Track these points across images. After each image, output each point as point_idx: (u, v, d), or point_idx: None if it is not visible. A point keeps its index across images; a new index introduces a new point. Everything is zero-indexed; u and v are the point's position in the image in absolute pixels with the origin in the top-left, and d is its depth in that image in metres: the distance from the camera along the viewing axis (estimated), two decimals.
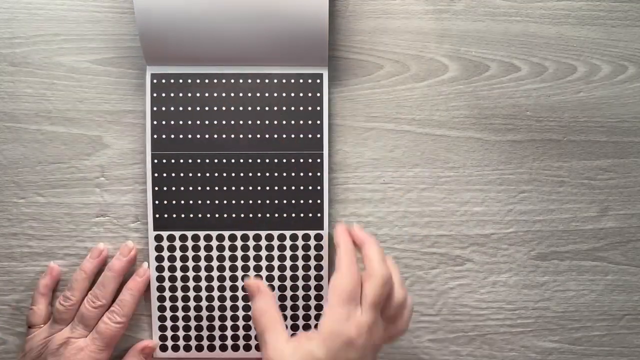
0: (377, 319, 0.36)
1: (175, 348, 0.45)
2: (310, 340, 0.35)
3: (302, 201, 0.44)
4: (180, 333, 0.44)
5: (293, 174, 0.44)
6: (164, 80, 0.43)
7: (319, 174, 0.44)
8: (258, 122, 0.44)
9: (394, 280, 0.38)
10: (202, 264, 0.44)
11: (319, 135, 0.44)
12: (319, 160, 0.44)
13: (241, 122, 0.43)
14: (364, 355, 0.35)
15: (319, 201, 0.44)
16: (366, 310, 0.35)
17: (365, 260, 0.38)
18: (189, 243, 0.44)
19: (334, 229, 0.40)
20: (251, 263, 0.44)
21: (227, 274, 0.44)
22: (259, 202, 0.44)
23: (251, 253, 0.44)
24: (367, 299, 0.36)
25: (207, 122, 0.43)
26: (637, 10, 0.46)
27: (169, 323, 0.44)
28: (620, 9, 0.46)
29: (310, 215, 0.44)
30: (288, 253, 0.44)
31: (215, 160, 0.43)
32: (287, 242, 0.44)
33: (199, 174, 0.44)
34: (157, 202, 0.43)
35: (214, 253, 0.44)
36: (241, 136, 0.44)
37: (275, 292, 0.44)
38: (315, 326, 0.44)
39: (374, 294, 0.36)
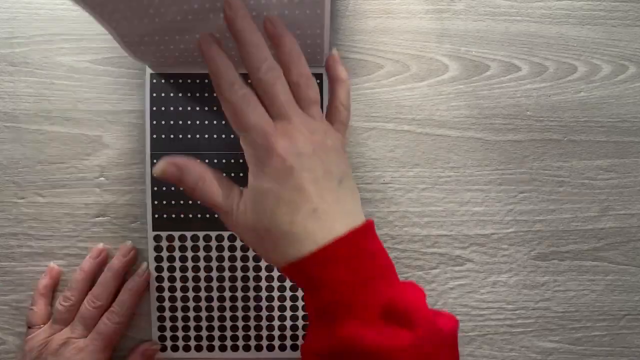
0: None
1: (175, 348, 0.44)
2: None
3: None
4: (180, 333, 0.44)
5: None
6: (163, 80, 0.43)
7: None
8: None
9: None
10: (202, 264, 0.44)
11: None
12: None
13: None
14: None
15: None
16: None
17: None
18: (188, 243, 0.44)
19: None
20: (250, 263, 0.44)
21: (227, 274, 0.44)
22: None
23: (250, 253, 0.44)
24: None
25: (206, 122, 0.43)
26: (637, 10, 0.46)
27: (168, 323, 0.44)
28: (620, 9, 0.45)
29: None
30: None
31: (215, 161, 0.43)
32: None
33: None
34: (156, 202, 0.43)
35: (213, 253, 0.44)
36: None
37: (274, 292, 0.44)
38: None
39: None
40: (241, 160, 0.43)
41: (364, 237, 0.32)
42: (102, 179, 0.45)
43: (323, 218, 0.31)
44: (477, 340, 0.46)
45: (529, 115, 0.46)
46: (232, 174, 0.43)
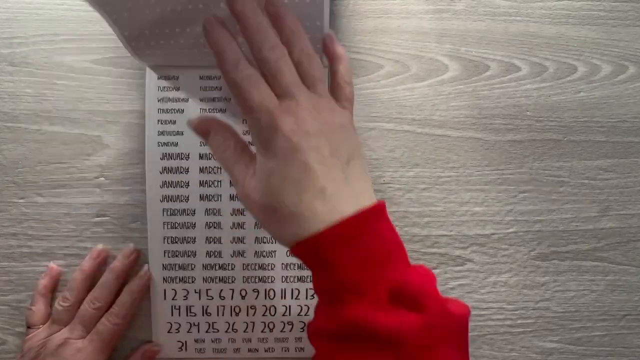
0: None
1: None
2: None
3: None
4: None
5: None
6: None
7: None
8: None
9: None
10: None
11: None
12: None
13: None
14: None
15: None
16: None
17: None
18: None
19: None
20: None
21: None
22: None
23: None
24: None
25: None
26: (637, 10, 0.46)
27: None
28: (620, 9, 0.46)
29: None
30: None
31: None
32: None
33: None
34: None
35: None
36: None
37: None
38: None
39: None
40: None
41: (373, 218, 0.31)
42: (102, 179, 0.45)
43: (330, 198, 0.30)
44: (477, 340, 0.46)
45: (528, 115, 0.46)
46: None
